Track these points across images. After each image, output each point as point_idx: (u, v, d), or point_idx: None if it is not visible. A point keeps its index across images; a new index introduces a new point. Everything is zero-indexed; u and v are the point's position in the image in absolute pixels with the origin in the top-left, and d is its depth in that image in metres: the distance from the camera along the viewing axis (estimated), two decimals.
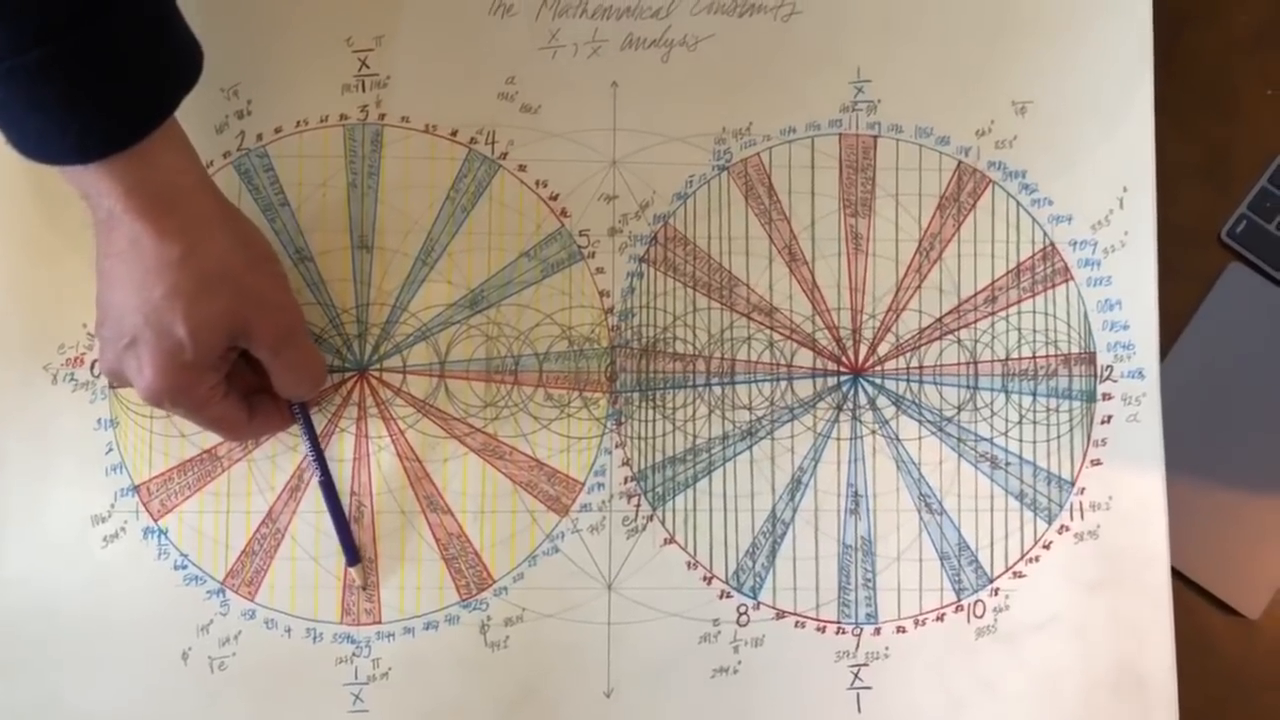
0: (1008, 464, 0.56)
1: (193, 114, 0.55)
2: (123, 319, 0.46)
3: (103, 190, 0.45)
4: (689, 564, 0.55)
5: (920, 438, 0.56)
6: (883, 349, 0.57)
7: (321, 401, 0.55)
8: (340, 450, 0.55)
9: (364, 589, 0.54)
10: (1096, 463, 0.57)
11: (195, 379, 0.48)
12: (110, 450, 0.55)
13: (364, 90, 0.57)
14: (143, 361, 0.47)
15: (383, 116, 0.57)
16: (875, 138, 0.58)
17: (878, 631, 0.55)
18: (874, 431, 0.56)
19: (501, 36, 0.57)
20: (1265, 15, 0.61)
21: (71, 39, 0.41)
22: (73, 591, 0.54)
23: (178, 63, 0.47)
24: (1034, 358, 0.57)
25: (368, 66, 0.57)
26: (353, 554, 0.54)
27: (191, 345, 0.46)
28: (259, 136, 0.56)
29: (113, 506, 0.54)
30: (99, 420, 0.55)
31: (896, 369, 0.57)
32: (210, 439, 0.55)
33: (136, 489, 0.55)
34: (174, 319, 0.46)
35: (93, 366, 0.55)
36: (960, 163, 0.58)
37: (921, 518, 0.56)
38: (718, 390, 0.56)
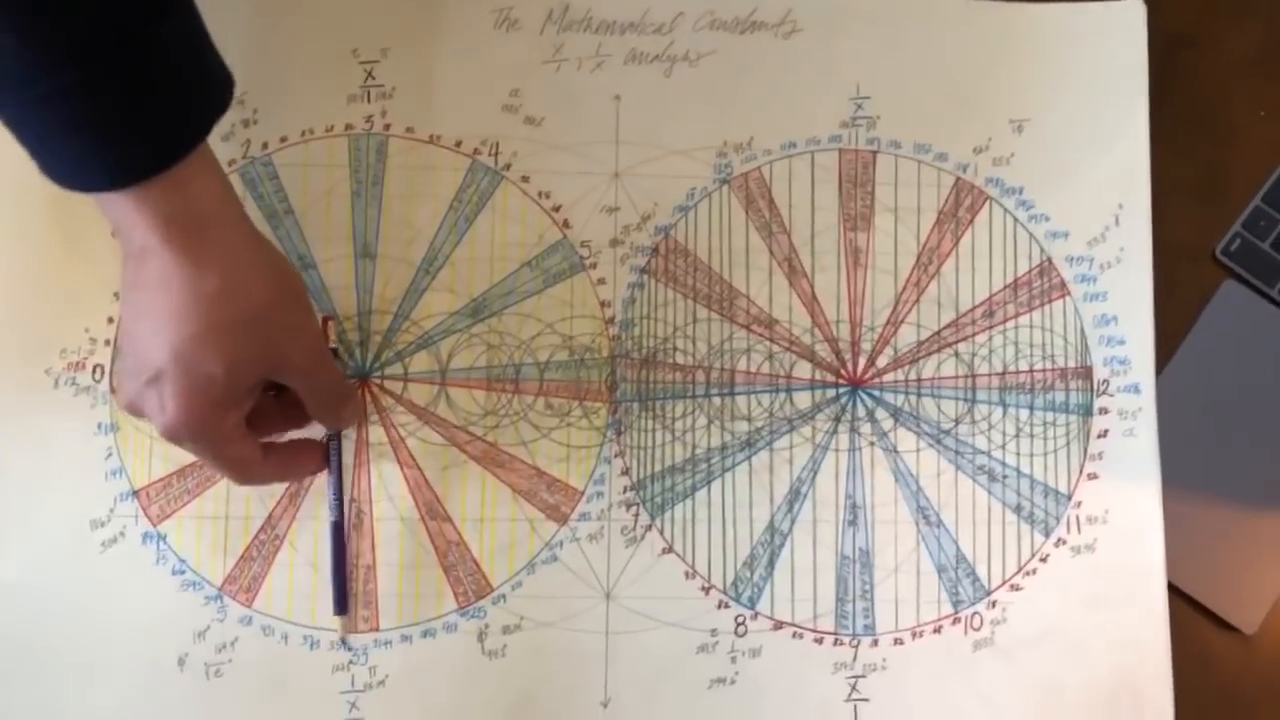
0: (1005, 477, 0.57)
1: None
2: (149, 353, 0.45)
3: (135, 222, 0.44)
4: (687, 574, 0.55)
5: (918, 450, 0.57)
6: (881, 361, 0.57)
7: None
8: (340, 457, 0.55)
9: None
10: (1093, 476, 0.57)
11: (221, 416, 0.46)
12: (110, 455, 0.55)
13: (369, 101, 0.57)
14: (166, 397, 0.45)
15: (388, 127, 0.57)
16: (874, 153, 0.58)
17: (875, 643, 0.56)
18: (872, 443, 0.57)
19: (506, 50, 0.58)
20: (1258, 39, 0.62)
21: (108, 62, 0.40)
22: (70, 596, 0.54)
23: (210, 84, 0.46)
24: (1031, 371, 0.57)
25: (373, 77, 0.57)
26: (342, 604, 0.54)
27: (225, 383, 0.45)
28: (264, 145, 0.57)
29: (112, 511, 0.54)
30: (99, 425, 0.55)
31: (895, 381, 0.57)
32: None
33: (136, 494, 0.55)
34: (209, 357, 0.44)
35: (95, 371, 0.55)
36: (958, 179, 0.58)
37: (919, 530, 0.56)
38: (717, 401, 0.57)
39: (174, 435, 0.46)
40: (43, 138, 0.42)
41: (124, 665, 0.54)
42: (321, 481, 0.55)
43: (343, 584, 0.54)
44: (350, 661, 0.54)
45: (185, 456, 0.55)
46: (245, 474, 0.50)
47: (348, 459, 0.55)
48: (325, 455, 0.54)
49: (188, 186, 0.44)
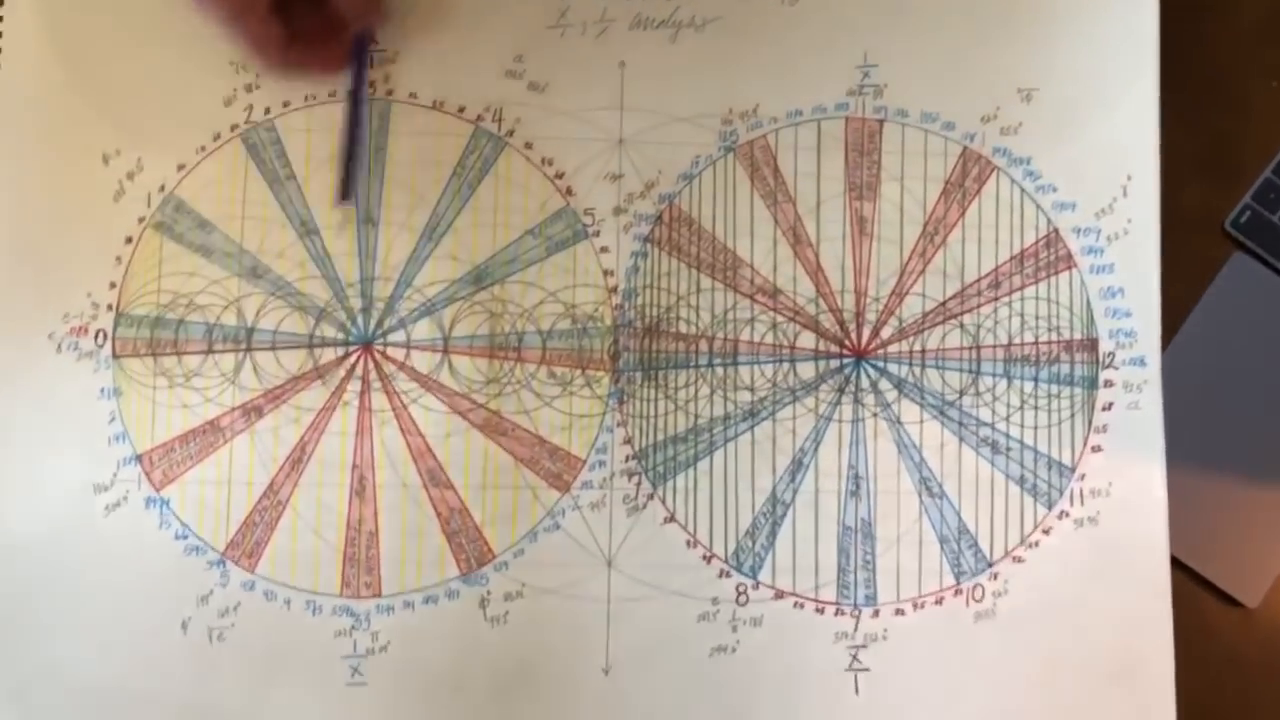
0: (1008, 449, 0.56)
1: (201, 87, 0.56)
2: None
3: None
4: (689, 543, 0.55)
5: (922, 421, 0.56)
6: (886, 332, 0.57)
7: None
8: (343, 424, 0.55)
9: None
10: (1097, 449, 0.57)
11: None
12: (113, 419, 0.55)
13: (372, 66, 0.57)
14: None
15: (390, 92, 0.57)
16: (881, 122, 0.58)
17: (876, 613, 0.56)
18: (875, 414, 0.57)
19: (510, 15, 0.57)
20: (1271, 8, 0.61)
21: None
22: (74, 560, 0.54)
23: None
24: (1036, 343, 0.57)
25: (376, 42, 0.57)
26: (345, 191, 0.55)
27: None
28: (267, 110, 0.56)
29: (115, 476, 0.54)
30: (102, 389, 0.55)
31: (899, 352, 0.57)
32: (212, 410, 0.55)
33: (139, 458, 0.55)
34: None
35: (97, 336, 0.55)
36: (965, 148, 0.58)
37: (922, 501, 0.56)
38: (720, 371, 0.56)
39: None
40: None
41: (127, 629, 0.54)
42: (323, 450, 0.55)
43: (349, 166, 0.55)
44: (352, 627, 0.54)
45: (188, 422, 0.55)
46: (266, 53, 0.54)
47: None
48: (346, 55, 0.55)
49: None
